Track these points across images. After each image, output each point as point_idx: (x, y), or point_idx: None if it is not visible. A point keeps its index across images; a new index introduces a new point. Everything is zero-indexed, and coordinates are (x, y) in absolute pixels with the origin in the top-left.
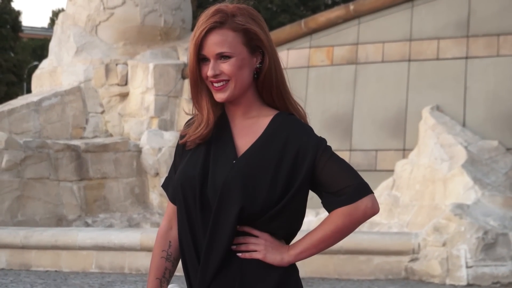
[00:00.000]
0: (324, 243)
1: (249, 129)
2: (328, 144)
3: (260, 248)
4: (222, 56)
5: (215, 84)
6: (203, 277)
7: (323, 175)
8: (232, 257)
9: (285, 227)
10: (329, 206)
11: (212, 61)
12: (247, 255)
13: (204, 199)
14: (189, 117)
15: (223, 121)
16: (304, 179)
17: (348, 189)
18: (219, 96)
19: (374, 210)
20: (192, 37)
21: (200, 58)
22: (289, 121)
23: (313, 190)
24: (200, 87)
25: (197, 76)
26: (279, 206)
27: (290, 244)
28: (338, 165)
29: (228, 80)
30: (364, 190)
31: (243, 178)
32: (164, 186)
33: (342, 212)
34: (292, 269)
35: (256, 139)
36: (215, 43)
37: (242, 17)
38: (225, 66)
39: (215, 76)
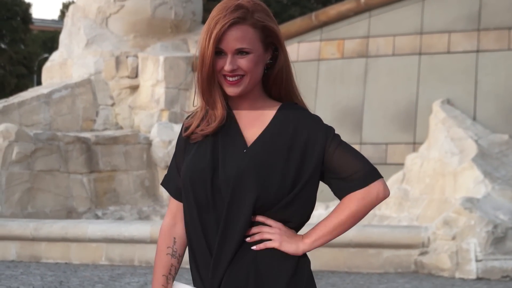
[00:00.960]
0: (339, 229)
1: (256, 120)
2: (337, 133)
3: (275, 237)
4: (240, 52)
5: (230, 79)
6: (216, 269)
7: (333, 162)
8: (246, 248)
9: (299, 214)
10: (341, 192)
11: (229, 56)
12: (261, 246)
13: (215, 191)
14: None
15: (228, 113)
16: (315, 167)
17: (359, 174)
18: (232, 90)
19: (385, 193)
20: (207, 30)
21: (216, 52)
22: (297, 110)
23: (321, 179)
24: (214, 81)
25: (212, 70)
26: (292, 193)
27: (302, 234)
28: (348, 151)
29: (243, 75)
30: (374, 174)
31: (256, 166)
32: (165, 183)
33: (355, 197)
34: (304, 259)
35: (264, 128)
36: (235, 39)
37: (261, 14)
38: (243, 62)
39: (232, 70)
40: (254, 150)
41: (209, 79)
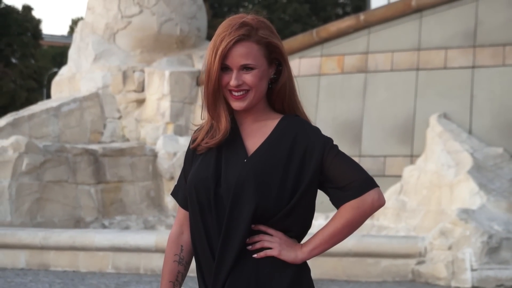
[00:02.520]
0: (335, 238)
1: (258, 131)
2: (335, 144)
3: (275, 245)
4: (245, 67)
5: (235, 93)
6: (218, 276)
7: (330, 171)
8: (247, 255)
9: (299, 223)
10: (337, 201)
11: (235, 72)
12: (261, 254)
13: (218, 199)
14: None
15: (232, 125)
16: (312, 176)
17: (355, 184)
18: (238, 105)
19: (380, 202)
20: (213, 46)
21: (222, 67)
22: (297, 122)
23: (320, 188)
24: (219, 95)
25: (217, 85)
26: (292, 203)
27: (302, 243)
28: (345, 161)
29: (248, 90)
30: (370, 183)
31: (255, 176)
32: (174, 193)
33: (350, 206)
34: (304, 267)
35: (265, 139)
36: (240, 55)
37: (265, 31)
38: (248, 77)
39: (238, 86)
40: (254, 160)
41: (215, 93)
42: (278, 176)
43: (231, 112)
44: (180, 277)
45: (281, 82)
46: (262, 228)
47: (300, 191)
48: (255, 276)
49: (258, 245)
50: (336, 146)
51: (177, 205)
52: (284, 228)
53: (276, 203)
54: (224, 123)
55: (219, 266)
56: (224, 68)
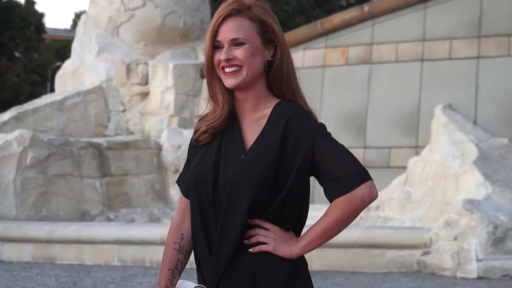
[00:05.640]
0: (328, 234)
1: (256, 123)
2: (328, 131)
3: (270, 240)
4: (236, 43)
5: (227, 69)
6: (215, 270)
7: (322, 162)
8: (243, 250)
9: (292, 216)
10: (329, 195)
11: (226, 46)
12: (256, 249)
13: (216, 193)
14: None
15: (233, 117)
16: (301, 165)
17: (346, 177)
18: (230, 82)
19: (371, 196)
20: (209, 27)
21: (215, 46)
22: (288, 107)
23: (315, 178)
24: (214, 74)
25: (211, 63)
26: (283, 192)
27: (297, 237)
28: (337, 152)
29: (240, 67)
30: (360, 177)
31: (251, 172)
32: (178, 181)
33: (341, 202)
34: (301, 262)
35: (260, 132)
36: (230, 29)
37: (258, 9)
38: (239, 52)
39: (227, 60)
40: (250, 156)
41: (209, 72)
42: (272, 168)
43: (232, 101)
44: (179, 265)
45: (275, 63)
46: (258, 222)
47: (290, 181)
48: (251, 270)
49: (253, 240)
50: (328, 134)
51: (179, 203)
52: (280, 220)
53: (270, 195)
54: (221, 101)
55: (215, 260)
56: (217, 46)
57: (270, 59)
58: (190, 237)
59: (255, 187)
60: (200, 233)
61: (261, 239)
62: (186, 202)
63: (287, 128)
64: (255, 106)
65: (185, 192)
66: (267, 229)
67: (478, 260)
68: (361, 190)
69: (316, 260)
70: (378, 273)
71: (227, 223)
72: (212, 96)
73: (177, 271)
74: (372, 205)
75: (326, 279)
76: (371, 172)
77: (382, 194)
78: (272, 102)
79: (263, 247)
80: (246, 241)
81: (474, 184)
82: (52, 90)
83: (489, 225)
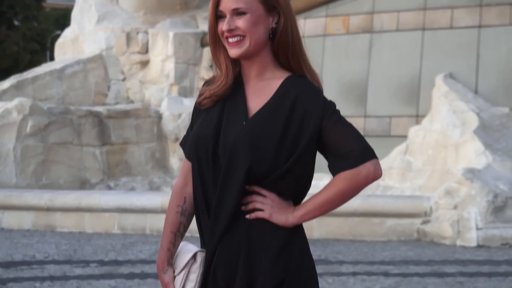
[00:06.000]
0: (327, 206)
1: (262, 91)
2: (337, 108)
3: (266, 207)
4: (238, 13)
5: (230, 40)
6: (213, 234)
7: (330, 138)
8: (240, 216)
9: (292, 187)
10: (333, 169)
11: (228, 17)
12: (253, 215)
13: (215, 158)
14: None
15: (238, 82)
16: (309, 141)
17: (352, 153)
18: (233, 52)
19: (376, 175)
20: None
21: (218, 16)
22: (299, 83)
23: (321, 153)
24: (218, 43)
25: (214, 32)
26: (285, 167)
27: (295, 206)
28: (345, 128)
29: (243, 36)
30: (367, 155)
31: (251, 139)
32: (182, 144)
33: (344, 176)
34: (298, 230)
35: (267, 100)
36: None
37: None
38: (240, 22)
39: (230, 30)
40: (252, 123)
41: (214, 41)
42: (275, 139)
43: (238, 67)
44: (182, 228)
45: (279, 31)
46: (256, 189)
47: (296, 155)
48: (247, 237)
49: (250, 206)
50: (337, 111)
51: (182, 166)
52: (278, 190)
53: (270, 166)
54: (224, 69)
55: (213, 225)
56: (220, 16)
57: (274, 26)
58: (192, 200)
59: (253, 154)
60: (200, 197)
61: (258, 205)
62: (189, 165)
63: (296, 103)
64: (261, 73)
65: (187, 154)
66: (264, 196)
67: (477, 229)
68: (366, 167)
69: (316, 229)
70: (378, 242)
71: (225, 188)
72: (217, 64)
73: (179, 234)
74: None
75: (326, 247)
76: (371, 141)
77: (382, 163)
78: (280, 72)
79: (259, 214)
80: (243, 207)
81: (474, 153)
82: (51, 58)
83: (489, 194)
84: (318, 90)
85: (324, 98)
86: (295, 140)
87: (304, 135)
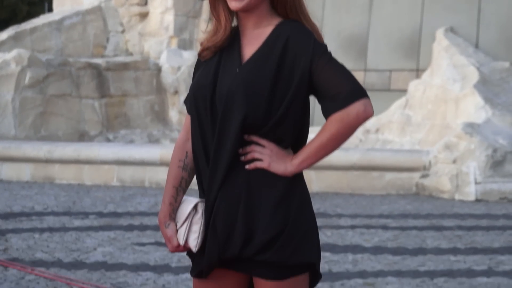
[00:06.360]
0: (323, 151)
1: (256, 38)
2: (329, 51)
3: (265, 157)
4: None
5: None
6: (212, 183)
7: (320, 79)
8: (239, 166)
9: (290, 134)
10: (324, 112)
11: None
12: (252, 165)
13: (213, 108)
14: None
15: (235, 34)
16: (299, 82)
17: (342, 94)
18: (234, 5)
19: (366, 114)
20: None
21: None
22: (290, 26)
23: (315, 96)
24: None
25: None
26: (281, 110)
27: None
28: (335, 70)
29: None
30: (356, 94)
31: (245, 85)
32: (185, 100)
33: (335, 119)
34: (298, 179)
35: (259, 46)
36: None
37: None
38: None
39: None
40: (245, 69)
41: None
42: (268, 84)
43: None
44: (184, 183)
45: None
46: (255, 139)
47: (288, 98)
48: (246, 187)
49: (249, 156)
50: (329, 53)
51: (181, 119)
52: (276, 138)
53: (266, 112)
54: (223, 21)
55: (212, 175)
56: None
57: None
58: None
59: (248, 100)
60: (200, 148)
61: (257, 155)
62: (190, 120)
63: (287, 46)
64: (257, 23)
65: (188, 109)
66: (263, 146)
67: (476, 183)
68: (356, 107)
69: (315, 182)
70: (376, 195)
71: (222, 138)
72: (215, 16)
73: (181, 188)
74: (372, 127)
75: (325, 200)
76: (371, 95)
77: (382, 117)
78: (275, 20)
79: (258, 164)
80: (242, 158)
81: (474, 108)
82: (50, 10)
83: (488, 148)
84: (309, 32)
85: (315, 40)
86: (288, 84)
87: (295, 76)
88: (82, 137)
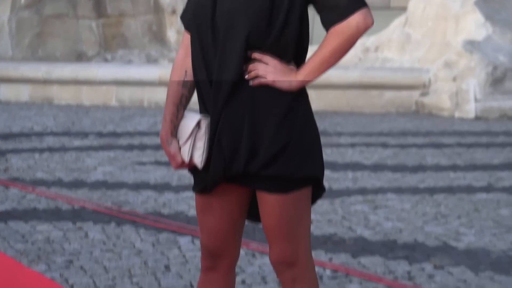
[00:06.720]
0: (326, 64)
1: None
2: None
3: (270, 73)
4: None
5: None
6: (216, 101)
7: None
8: (243, 84)
9: (292, 48)
10: (324, 23)
11: None
12: (256, 82)
13: (214, 26)
14: None
15: None
16: None
17: (340, 5)
18: None
19: (366, 24)
20: None
21: None
22: None
23: (313, 6)
24: None
25: None
26: (280, 19)
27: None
28: None
29: None
30: (355, 4)
31: (247, 3)
32: (181, 16)
33: (335, 31)
34: (302, 95)
35: None
36: None
37: None
38: None
39: None
40: None
41: None
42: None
43: None
44: (184, 99)
45: None
46: (258, 56)
47: (284, 11)
48: (251, 104)
49: (253, 74)
50: None
51: (179, 40)
52: (279, 51)
53: (268, 27)
54: None
55: (216, 92)
56: None
57: None
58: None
59: (251, 17)
60: (201, 66)
61: (261, 72)
62: (188, 37)
63: None
64: None
65: (186, 25)
66: (266, 64)
67: (476, 101)
68: (355, 19)
69: (314, 101)
70: (376, 114)
71: (225, 55)
72: None
73: (181, 105)
74: (371, 46)
75: (325, 119)
76: None
77: (381, 35)
78: None
79: (262, 80)
80: (246, 76)
81: (474, 25)
82: None
83: (488, 66)
84: None
85: None
86: None
87: None
88: (79, 57)
